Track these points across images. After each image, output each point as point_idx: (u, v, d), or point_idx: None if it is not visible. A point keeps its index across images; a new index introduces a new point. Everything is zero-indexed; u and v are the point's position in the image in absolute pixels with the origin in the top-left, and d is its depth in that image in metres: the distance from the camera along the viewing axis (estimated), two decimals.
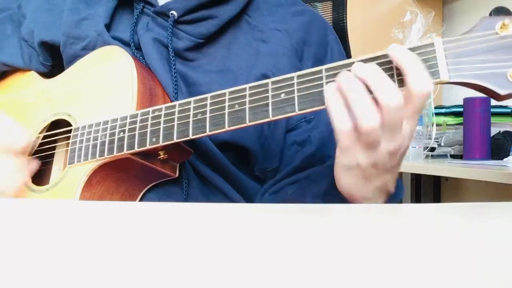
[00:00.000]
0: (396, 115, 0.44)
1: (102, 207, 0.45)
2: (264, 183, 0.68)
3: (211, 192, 0.66)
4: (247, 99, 0.51)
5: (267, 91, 0.51)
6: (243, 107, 0.51)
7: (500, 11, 0.46)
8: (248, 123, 0.51)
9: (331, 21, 1.45)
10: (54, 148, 0.69)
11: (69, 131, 0.63)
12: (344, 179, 0.51)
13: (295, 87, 0.49)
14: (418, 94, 0.44)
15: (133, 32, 0.66)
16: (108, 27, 0.67)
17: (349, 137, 0.46)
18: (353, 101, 0.45)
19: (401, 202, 0.57)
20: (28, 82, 0.74)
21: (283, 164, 0.66)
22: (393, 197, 0.53)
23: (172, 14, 0.65)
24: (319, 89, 0.49)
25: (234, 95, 0.52)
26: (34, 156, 0.68)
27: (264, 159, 0.65)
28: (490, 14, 0.47)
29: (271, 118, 0.50)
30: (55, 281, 0.20)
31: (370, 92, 0.45)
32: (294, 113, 0.49)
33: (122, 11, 0.70)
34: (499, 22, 0.45)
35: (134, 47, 0.66)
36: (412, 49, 0.47)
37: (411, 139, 0.47)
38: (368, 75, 0.45)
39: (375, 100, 0.44)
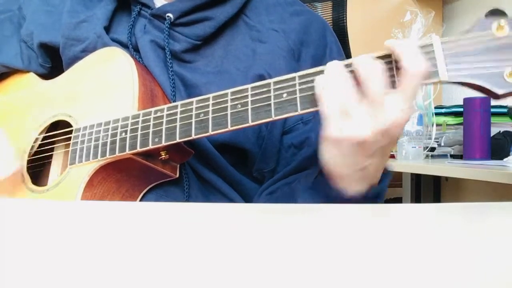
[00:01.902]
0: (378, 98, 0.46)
1: (103, 207, 0.45)
2: (262, 184, 0.68)
3: (210, 193, 0.66)
4: (249, 99, 0.51)
5: (269, 91, 0.51)
6: (246, 107, 0.51)
7: (494, 13, 0.47)
8: (250, 123, 0.51)
9: (331, 21, 1.45)
10: (53, 149, 0.69)
11: (70, 132, 0.63)
12: (327, 154, 0.51)
13: (297, 87, 0.50)
14: (413, 74, 0.45)
15: (130, 34, 0.67)
16: (107, 29, 0.68)
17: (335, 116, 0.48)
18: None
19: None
20: (27, 84, 0.74)
21: (280, 166, 0.66)
22: (375, 191, 0.53)
23: (168, 16, 0.65)
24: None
25: (236, 96, 0.52)
26: (33, 157, 0.68)
27: (261, 160, 0.65)
28: (486, 16, 0.47)
29: (274, 118, 0.50)
30: (56, 281, 0.20)
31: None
32: (296, 113, 0.50)
33: (121, 13, 0.70)
34: (495, 23, 0.46)
35: (132, 49, 0.66)
36: None
37: (405, 121, 0.47)
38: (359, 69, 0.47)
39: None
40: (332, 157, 0.50)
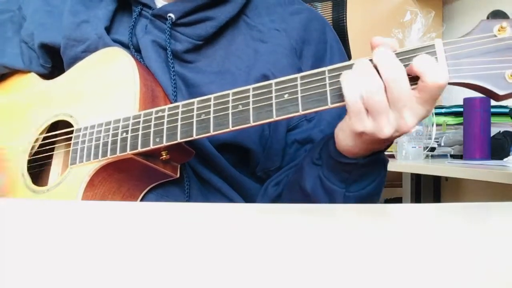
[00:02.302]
0: (402, 90, 0.46)
1: (104, 207, 0.45)
2: (263, 184, 0.68)
3: (210, 194, 0.66)
4: (251, 99, 0.52)
5: (270, 91, 0.51)
6: (247, 107, 0.52)
7: (497, 15, 0.47)
8: (252, 123, 0.51)
9: (331, 21, 1.45)
10: (53, 149, 0.69)
11: (71, 132, 0.63)
12: (345, 142, 0.52)
13: (299, 88, 0.50)
14: (434, 87, 0.46)
15: (131, 35, 0.67)
16: (108, 30, 0.68)
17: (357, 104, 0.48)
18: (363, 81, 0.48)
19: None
20: (28, 84, 0.74)
21: (284, 161, 0.67)
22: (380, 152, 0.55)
23: (169, 16, 0.66)
24: (322, 90, 0.49)
25: (237, 96, 0.53)
26: (34, 156, 0.68)
27: (266, 159, 0.66)
28: (488, 18, 0.47)
29: (275, 118, 0.50)
30: (56, 281, 0.20)
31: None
32: (297, 113, 0.50)
33: (122, 14, 0.70)
34: (496, 25, 0.46)
35: (134, 50, 0.66)
36: (413, 50, 0.48)
37: (419, 120, 0.48)
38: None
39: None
40: (347, 143, 0.52)
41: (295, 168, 0.64)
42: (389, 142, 0.53)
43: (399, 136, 0.50)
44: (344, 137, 0.52)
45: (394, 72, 0.46)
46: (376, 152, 0.54)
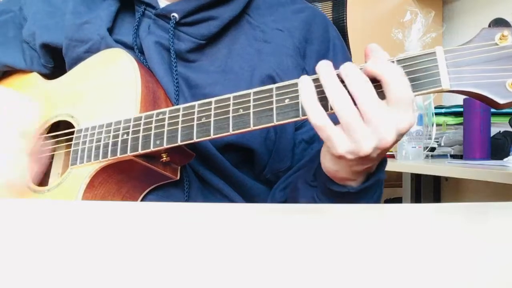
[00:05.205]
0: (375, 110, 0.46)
1: (104, 207, 0.45)
2: (267, 184, 0.68)
3: (211, 194, 0.66)
4: (252, 103, 0.52)
5: (271, 96, 0.51)
6: (247, 111, 0.52)
7: (499, 23, 0.47)
8: (252, 127, 0.51)
9: (331, 21, 1.46)
10: (54, 149, 0.69)
11: (71, 133, 0.63)
12: (328, 164, 0.52)
13: (299, 93, 0.50)
14: (398, 102, 0.45)
15: (136, 36, 0.67)
16: (110, 30, 0.68)
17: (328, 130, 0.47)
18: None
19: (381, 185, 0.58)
20: (30, 83, 0.74)
21: (293, 161, 0.67)
22: (374, 175, 0.54)
23: (173, 16, 0.66)
24: (322, 95, 0.49)
25: (238, 100, 0.53)
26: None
27: (275, 160, 0.66)
28: (489, 26, 0.47)
29: (275, 122, 0.50)
30: (56, 281, 0.20)
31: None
32: (298, 118, 0.50)
33: (124, 14, 0.70)
34: (498, 33, 0.46)
35: (138, 51, 0.66)
36: (413, 58, 0.48)
37: (398, 137, 0.47)
38: (348, 75, 0.47)
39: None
40: (331, 166, 0.52)
41: (290, 187, 0.64)
42: (378, 161, 0.52)
43: (381, 153, 0.48)
44: (326, 161, 0.52)
45: (359, 86, 0.46)
46: (371, 176, 0.53)
